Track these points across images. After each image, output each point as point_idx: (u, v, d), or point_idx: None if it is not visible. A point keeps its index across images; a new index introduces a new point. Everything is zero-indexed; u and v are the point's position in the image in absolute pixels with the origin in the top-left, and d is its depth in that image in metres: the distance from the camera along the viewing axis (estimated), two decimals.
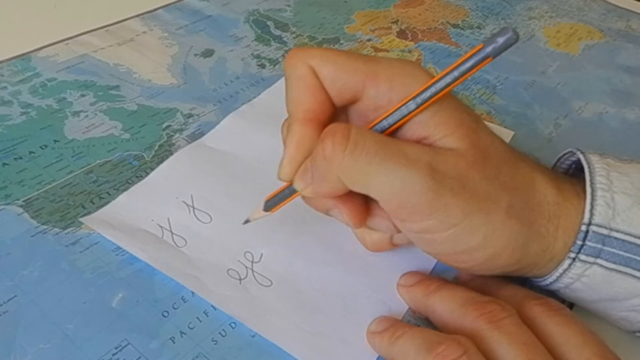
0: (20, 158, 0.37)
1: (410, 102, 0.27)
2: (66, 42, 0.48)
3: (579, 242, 0.27)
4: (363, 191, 0.27)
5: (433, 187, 0.26)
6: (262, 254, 0.33)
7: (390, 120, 0.27)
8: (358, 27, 0.55)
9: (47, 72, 0.45)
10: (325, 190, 0.28)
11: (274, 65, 0.48)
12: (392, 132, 0.28)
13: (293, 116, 0.29)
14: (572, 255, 0.28)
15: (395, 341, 0.28)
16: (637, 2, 0.63)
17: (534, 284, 0.31)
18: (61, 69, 0.45)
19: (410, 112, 0.27)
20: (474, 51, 0.25)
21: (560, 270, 0.28)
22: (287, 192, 0.30)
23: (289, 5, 0.57)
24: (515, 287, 0.30)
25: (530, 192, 0.28)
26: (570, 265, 0.28)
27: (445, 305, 0.29)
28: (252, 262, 0.33)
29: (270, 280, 0.32)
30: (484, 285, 0.31)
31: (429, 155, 0.26)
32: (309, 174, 0.28)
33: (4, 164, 0.37)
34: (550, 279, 0.29)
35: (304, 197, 0.30)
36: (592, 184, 0.28)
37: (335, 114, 0.29)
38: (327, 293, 0.32)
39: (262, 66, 0.48)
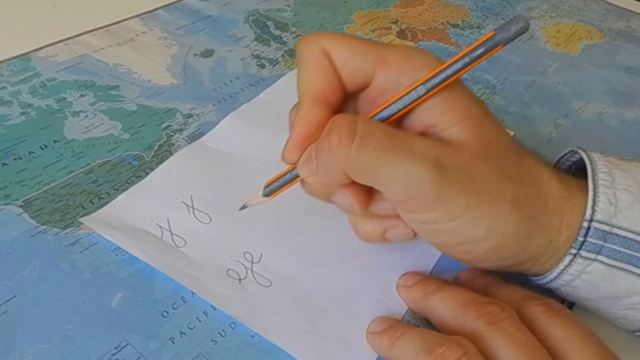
0: (20, 158, 0.37)
1: (420, 86, 0.26)
2: (66, 42, 0.48)
3: (580, 239, 0.27)
4: (368, 183, 0.27)
5: (439, 180, 0.26)
6: (261, 254, 0.33)
7: (399, 104, 0.27)
8: (358, 27, 0.55)
9: (46, 72, 0.44)
10: (329, 181, 0.28)
11: (274, 65, 0.48)
12: (400, 118, 0.28)
13: (303, 97, 0.28)
14: (573, 251, 0.28)
15: (395, 342, 0.28)
16: (637, 2, 0.63)
17: (534, 282, 0.31)
18: (61, 69, 0.45)
19: (419, 97, 0.27)
20: (485, 38, 0.25)
21: (561, 266, 0.28)
22: (288, 177, 0.30)
23: (288, 6, 0.57)
24: (516, 287, 0.30)
25: (536, 184, 0.28)
26: (571, 261, 0.28)
27: (445, 305, 0.29)
28: (252, 262, 0.33)
29: (269, 281, 0.32)
30: (484, 286, 0.31)
31: (435, 149, 0.26)
32: (313, 163, 0.28)
33: (4, 164, 0.37)
34: (551, 276, 0.29)
35: (304, 185, 0.30)
36: (594, 180, 0.28)
37: (345, 99, 0.29)
38: (326, 293, 0.32)
39: (262, 66, 0.48)
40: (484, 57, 0.26)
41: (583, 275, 0.28)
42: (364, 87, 0.29)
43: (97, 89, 0.44)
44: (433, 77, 0.26)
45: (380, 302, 0.31)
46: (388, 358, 0.28)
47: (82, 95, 0.43)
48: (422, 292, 0.30)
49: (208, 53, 0.49)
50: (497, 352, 0.26)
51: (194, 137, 0.40)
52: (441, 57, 0.28)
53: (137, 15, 0.52)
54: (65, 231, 0.33)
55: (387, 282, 0.32)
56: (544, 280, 0.30)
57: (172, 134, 0.40)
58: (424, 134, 0.28)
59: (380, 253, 0.34)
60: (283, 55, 0.50)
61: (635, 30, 0.59)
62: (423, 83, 0.26)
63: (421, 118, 0.27)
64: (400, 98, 0.27)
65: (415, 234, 0.30)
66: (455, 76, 0.26)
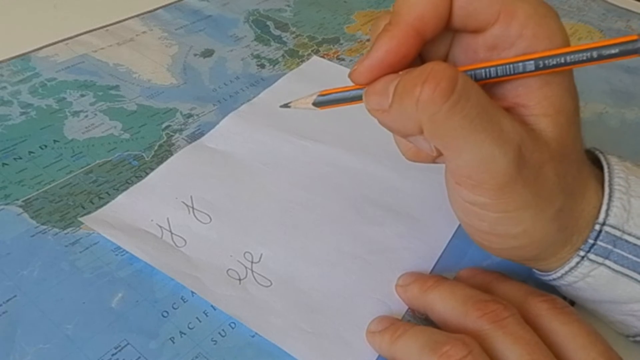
0: (20, 158, 0.37)
1: (531, 61, 0.24)
2: (66, 42, 0.48)
3: (591, 241, 0.27)
4: (439, 147, 0.25)
5: (512, 173, 0.24)
6: (261, 254, 0.33)
7: (502, 70, 0.25)
8: (358, 27, 0.55)
9: (46, 72, 0.44)
10: (395, 128, 0.26)
11: (274, 65, 0.48)
12: (496, 82, 0.26)
13: (400, 17, 0.25)
14: (582, 253, 0.28)
15: (396, 340, 0.27)
16: (637, 2, 0.63)
17: (536, 276, 0.31)
18: (61, 69, 0.45)
19: (525, 72, 0.24)
20: (625, 39, 0.23)
21: (566, 267, 0.28)
22: (347, 95, 0.27)
23: (288, 5, 0.57)
24: (518, 283, 0.30)
25: (580, 199, 0.27)
26: (577, 263, 0.28)
27: (446, 302, 0.29)
28: (252, 262, 0.33)
29: (269, 281, 0.32)
30: (485, 282, 0.31)
31: (521, 136, 0.24)
32: (387, 100, 0.25)
33: (4, 164, 0.37)
34: (554, 275, 0.29)
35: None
36: (610, 184, 0.28)
37: (441, 36, 0.26)
38: (326, 293, 0.32)
39: (262, 66, 0.48)
40: (615, 59, 0.23)
41: (587, 279, 0.28)
42: (473, 31, 0.26)
43: (97, 89, 0.44)
44: (549, 57, 0.24)
45: (380, 302, 0.31)
46: (389, 357, 0.28)
47: (82, 95, 0.43)
48: (420, 289, 0.30)
49: (208, 53, 0.49)
50: (501, 351, 0.26)
51: (194, 137, 0.40)
52: None
53: (137, 15, 0.52)
54: (65, 231, 0.33)
55: (387, 282, 0.32)
56: (546, 278, 0.30)
57: (172, 134, 0.40)
58: (511, 109, 0.26)
59: (380, 253, 0.34)
60: (283, 55, 0.50)
61: (635, 30, 0.59)
62: (535, 59, 0.24)
63: (516, 93, 0.25)
64: (506, 63, 0.24)
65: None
66: (573, 66, 0.24)
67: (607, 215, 0.27)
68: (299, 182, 0.37)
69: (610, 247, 0.27)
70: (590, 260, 0.27)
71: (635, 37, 0.22)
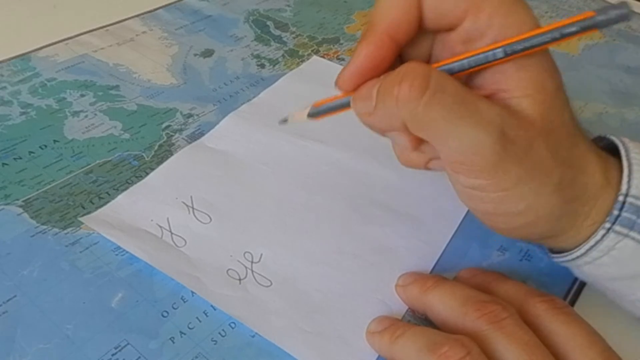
0: (20, 158, 0.37)
1: (499, 49, 0.25)
2: (66, 42, 0.48)
3: (616, 212, 0.27)
4: (426, 139, 0.27)
5: (500, 152, 0.25)
6: (261, 254, 0.33)
7: (474, 61, 0.26)
8: (358, 27, 0.55)
9: (46, 72, 0.44)
10: (381, 127, 0.28)
11: (274, 65, 0.48)
12: (471, 74, 0.27)
13: (375, 26, 0.27)
14: (607, 225, 0.28)
15: (395, 340, 0.27)
16: (637, 2, 0.63)
17: (555, 260, 0.31)
18: (61, 69, 0.45)
19: (496, 59, 0.26)
20: (582, 17, 0.24)
21: (592, 241, 0.28)
22: (338, 103, 0.29)
23: (288, 5, 0.57)
24: (518, 283, 0.30)
25: (581, 170, 0.28)
26: (603, 236, 0.28)
27: (445, 302, 0.29)
28: (252, 262, 0.33)
29: (269, 281, 0.32)
30: (485, 282, 0.31)
31: (502, 118, 0.25)
32: (371, 103, 0.27)
33: (4, 164, 0.37)
34: (577, 253, 0.29)
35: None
36: (628, 158, 0.28)
37: (418, 39, 0.28)
38: (326, 293, 0.32)
39: (262, 66, 0.48)
40: (576, 36, 0.25)
41: (612, 252, 0.28)
42: (447, 30, 0.28)
43: (97, 89, 0.44)
44: (515, 42, 0.25)
45: (380, 302, 0.31)
46: (389, 357, 0.28)
47: (82, 95, 0.43)
48: (419, 289, 0.30)
49: (208, 53, 0.49)
50: (500, 352, 0.26)
51: (194, 137, 0.40)
52: None
53: (137, 15, 0.52)
54: (65, 231, 0.33)
55: (387, 282, 0.32)
56: (569, 257, 0.30)
57: (172, 133, 0.40)
58: (492, 96, 0.27)
59: (381, 253, 0.34)
60: (283, 55, 0.50)
61: (635, 30, 0.59)
62: (503, 46, 0.25)
63: (494, 80, 0.27)
64: (476, 54, 0.26)
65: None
66: (539, 48, 0.25)
67: (629, 186, 0.27)
68: (299, 182, 0.37)
69: (634, 217, 0.27)
70: (616, 232, 0.28)
71: (592, 14, 0.24)
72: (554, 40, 0.25)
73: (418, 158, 0.30)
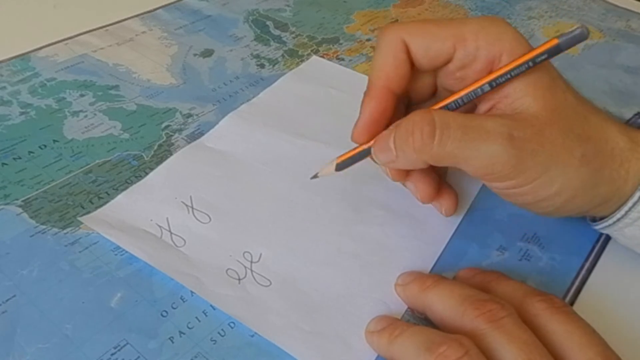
0: (20, 158, 0.37)
1: (486, 84, 0.30)
2: (65, 42, 0.48)
3: None
4: (451, 165, 0.30)
5: (515, 154, 0.28)
6: (261, 254, 0.33)
7: (465, 97, 0.30)
8: (357, 27, 0.55)
9: (46, 72, 0.45)
10: (407, 167, 0.32)
11: (273, 65, 0.48)
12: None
13: (374, 82, 0.32)
14: None
15: (394, 340, 0.27)
16: (637, 2, 0.63)
17: (599, 228, 0.33)
18: (60, 68, 0.45)
19: (484, 92, 0.30)
20: (549, 45, 0.29)
21: (630, 203, 0.30)
22: (358, 155, 0.33)
23: (288, 5, 0.57)
24: (517, 283, 0.31)
25: (602, 140, 0.30)
26: None
27: (443, 302, 0.29)
28: (251, 262, 0.33)
29: (269, 280, 0.32)
30: (484, 281, 0.31)
31: (507, 126, 0.29)
32: (392, 153, 0.30)
33: (3, 163, 0.37)
34: (618, 214, 0.31)
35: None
36: None
37: (419, 77, 0.33)
38: (326, 293, 0.32)
39: (262, 66, 0.48)
40: (546, 59, 0.29)
41: None
42: (445, 64, 0.32)
43: (96, 89, 0.44)
44: (499, 76, 0.29)
45: (379, 302, 0.31)
46: (388, 356, 0.28)
47: (82, 95, 0.43)
48: (419, 288, 0.30)
49: (208, 53, 0.49)
50: (498, 351, 0.26)
51: (193, 137, 0.40)
52: None
53: (136, 15, 0.52)
54: (65, 231, 0.33)
55: (387, 282, 0.32)
56: (611, 221, 0.32)
57: (171, 133, 0.40)
58: (497, 104, 0.30)
59: (380, 253, 0.34)
60: (283, 55, 0.50)
61: (635, 29, 0.59)
62: (489, 82, 0.30)
63: (495, 91, 0.30)
64: (467, 92, 0.30)
65: (450, 213, 0.35)
66: (519, 75, 0.29)
67: None
68: (299, 182, 0.37)
69: None
70: None
71: (556, 41, 0.29)
72: (530, 67, 0.29)
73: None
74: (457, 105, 0.31)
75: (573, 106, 0.30)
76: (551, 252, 0.35)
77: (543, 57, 0.29)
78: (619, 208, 0.31)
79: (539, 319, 0.27)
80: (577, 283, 0.33)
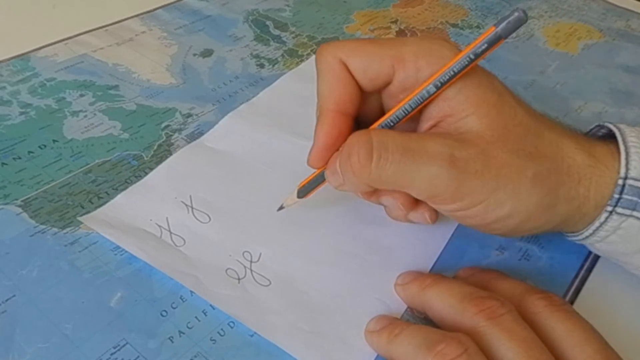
0: (19, 158, 0.37)
1: (430, 85, 0.28)
2: (65, 42, 0.48)
3: (616, 196, 0.28)
4: (394, 189, 0.30)
5: (457, 176, 0.27)
6: (260, 254, 0.33)
7: (413, 103, 0.29)
8: (357, 26, 0.55)
9: (46, 72, 0.45)
10: (357, 191, 0.32)
11: (273, 65, 0.48)
12: (420, 110, 0.30)
13: (323, 108, 0.31)
14: (609, 208, 0.29)
15: (393, 339, 0.28)
16: (636, 2, 0.63)
17: (569, 239, 0.32)
18: (60, 68, 0.45)
19: (430, 95, 0.28)
20: (487, 34, 0.27)
21: (597, 223, 0.29)
22: (318, 179, 0.32)
23: (288, 5, 0.57)
24: (516, 281, 0.31)
25: (557, 158, 0.29)
26: (606, 218, 0.29)
27: (443, 300, 0.29)
28: (251, 261, 0.33)
29: (268, 280, 0.32)
30: (484, 280, 0.31)
31: (449, 146, 0.28)
32: (339, 176, 0.30)
33: (3, 163, 0.37)
34: (586, 233, 0.30)
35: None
36: (624, 142, 0.29)
37: (367, 98, 0.31)
38: (325, 293, 0.32)
39: (261, 66, 0.48)
40: (487, 52, 0.27)
41: (618, 231, 0.29)
42: (386, 86, 0.31)
43: (96, 89, 0.44)
44: (441, 75, 0.28)
45: (379, 302, 0.31)
46: (387, 356, 0.28)
47: (82, 95, 0.43)
48: (418, 287, 0.30)
49: (207, 53, 0.49)
50: (497, 348, 0.26)
51: (193, 136, 0.40)
52: None
53: (136, 15, 0.52)
54: (65, 231, 0.33)
55: (387, 282, 0.32)
56: (580, 237, 0.31)
57: (171, 133, 0.40)
58: (440, 123, 0.29)
59: (380, 253, 0.34)
60: (282, 55, 0.50)
61: (635, 29, 0.59)
62: (433, 81, 0.28)
63: (439, 108, 0.29)
64: (412, 97, 0.29)
65: (434, 218, 0.32)
66: (462, 72, 0.28)
67: (627, 169, 0.28)
68: (298, 181, 0.37)
69: (636, 198, 0.28)
70: (619, 213, 0.29)
71: (493, 29, 0.27)
72: (472, 61, 0.27)
73: (398, 211, 0.32)
74: (397, 119, 0.29)
75: (523, 123, 0.29)
76: (550, 251, 0.35)
77: (483, 47, 0.27)
78: (586, 227, 0.30)
79: (538, 316, 0.28)
80: (576, 283, 0.33)
